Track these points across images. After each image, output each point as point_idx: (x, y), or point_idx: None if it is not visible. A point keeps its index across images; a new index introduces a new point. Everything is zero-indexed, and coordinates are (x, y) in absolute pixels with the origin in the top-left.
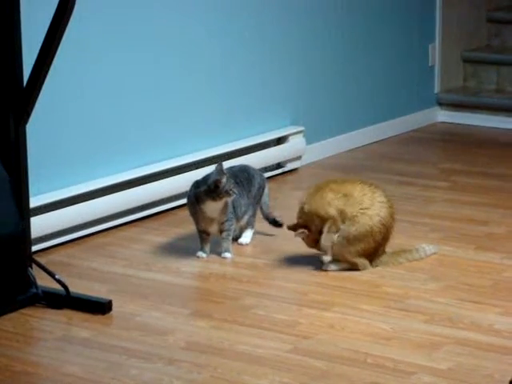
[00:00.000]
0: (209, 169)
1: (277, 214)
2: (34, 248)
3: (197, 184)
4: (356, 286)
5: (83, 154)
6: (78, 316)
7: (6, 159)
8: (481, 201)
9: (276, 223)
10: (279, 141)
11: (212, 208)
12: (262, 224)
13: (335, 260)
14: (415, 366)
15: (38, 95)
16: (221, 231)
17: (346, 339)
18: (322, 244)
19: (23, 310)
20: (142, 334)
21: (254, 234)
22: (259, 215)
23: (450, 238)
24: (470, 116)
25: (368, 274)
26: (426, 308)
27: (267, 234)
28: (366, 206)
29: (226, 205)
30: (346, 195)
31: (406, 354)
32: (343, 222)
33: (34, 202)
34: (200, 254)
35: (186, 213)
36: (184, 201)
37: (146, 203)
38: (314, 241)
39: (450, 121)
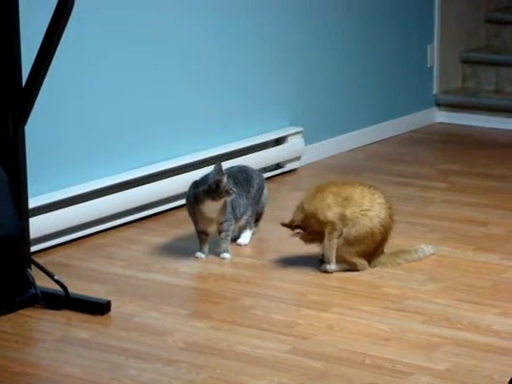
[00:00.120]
0: (207, 169)
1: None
2: (33, 249)
3: (196, 184)
4: (355, 286)
5: (82, 154)
6: (76, 317)
7: (5, 160)
8: (480, 201)
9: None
10: (278, 141)
11: (211, 208)
12: (262, 224)
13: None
14: (413, 367)
15: (36, 96)
16: (220, 232)
17: (345, 340)
18: (325, 253)
19: (22, 311)
20: (141, 334)
21: (253, 234)
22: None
23: (449, 239)
24: (469, 117)
25: (367, 275)
26: (424, 309)
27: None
28: (366, 207)
29: (225, 205)
30: (346, 198)
31: (404, 355)
32: (345, 225)
33: (33, 202)
34: (199, 254)
35: (184, 213)
36: (183, 201)
37: (144, 204)
38: (310, 238)
39: (449, 121)
